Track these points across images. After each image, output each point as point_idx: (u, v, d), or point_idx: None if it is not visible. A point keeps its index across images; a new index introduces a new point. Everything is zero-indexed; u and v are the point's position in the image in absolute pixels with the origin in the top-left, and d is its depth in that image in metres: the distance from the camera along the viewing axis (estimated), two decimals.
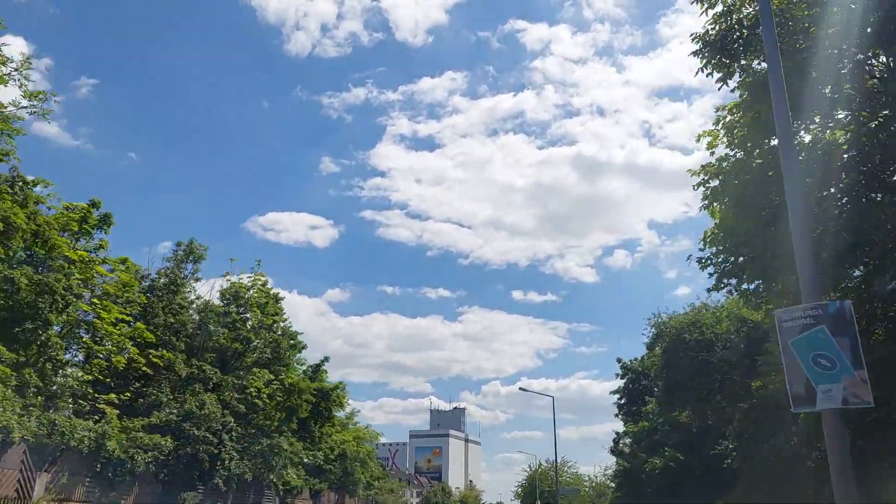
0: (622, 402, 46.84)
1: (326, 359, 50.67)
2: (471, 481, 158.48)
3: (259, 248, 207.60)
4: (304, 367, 48.94)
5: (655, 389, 43.58)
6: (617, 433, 48.10)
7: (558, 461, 61.92)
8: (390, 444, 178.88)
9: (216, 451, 28.40)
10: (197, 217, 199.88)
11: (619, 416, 47.32)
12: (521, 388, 71.14)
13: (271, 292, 40.57)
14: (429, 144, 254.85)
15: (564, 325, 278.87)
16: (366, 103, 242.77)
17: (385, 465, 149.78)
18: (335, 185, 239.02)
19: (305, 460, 37.84)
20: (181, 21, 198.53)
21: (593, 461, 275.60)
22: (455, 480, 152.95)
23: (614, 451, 47.92)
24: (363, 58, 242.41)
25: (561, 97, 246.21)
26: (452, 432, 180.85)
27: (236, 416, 35.47)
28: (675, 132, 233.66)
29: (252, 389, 34.64)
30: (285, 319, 41.11)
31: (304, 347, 42.50)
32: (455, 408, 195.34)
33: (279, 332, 40.70)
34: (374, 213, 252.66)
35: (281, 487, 37.96)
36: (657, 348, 31.90)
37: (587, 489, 68.28)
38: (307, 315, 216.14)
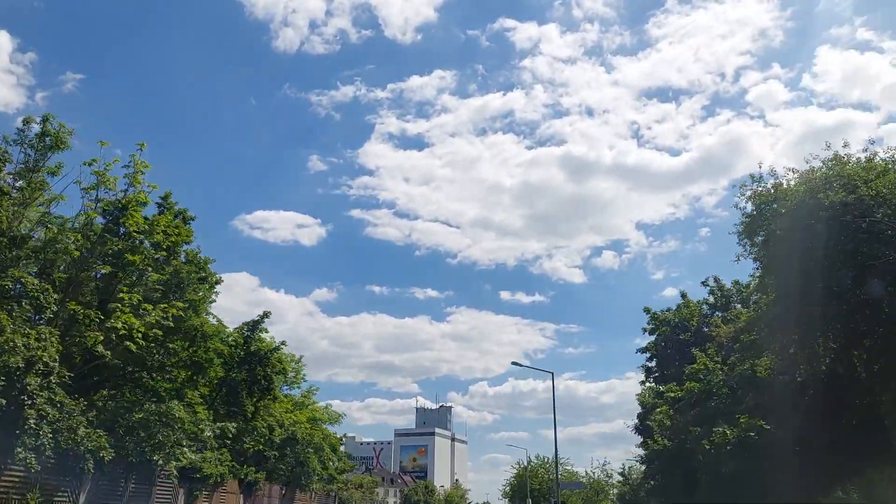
0: (652, 363, 35.62)
1: (267, 314, 39.58)
2: (457, 480, 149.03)
3: (246, 247, 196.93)
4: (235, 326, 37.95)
5: (691, 350, 32.60)
6: (643, 405, 36.42)
7: (551, 459, 52.23)
8: (374, 443, 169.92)
9: (12, 407, 16.87)
10: None
11: (648, 381, 36.06)
12: (513, 363, 60.94)
13: (173, 205, 29.15)
14: (417, 143, 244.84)
15: (552, 325, 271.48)
16: (354, 101, 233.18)
17: (369, 464, 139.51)
18: (323, 183, 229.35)
19: (207, 433, 26.26)
20: (168, 16, 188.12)
21: (584, 462, 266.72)
22: (441, 479, 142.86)
23: (640, 428, 36.22)
24: (352, 55, 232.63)
25: (550, 97, 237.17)
26: (438, 430, 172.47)
27: (112, 369, 24.20)
28: (663, 133, 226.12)
29: (118, 325, 23.01)
30: (191, 241, 29.53)
31: (218, 282, 30.83)
32: (441, 406, 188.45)
33: (182, 259, 29.19)
34: (361, 213, 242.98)
35: (176, 474, 26.44)
36: (757, 237, 19.31)
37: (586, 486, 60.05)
38: (294, 314, 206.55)
